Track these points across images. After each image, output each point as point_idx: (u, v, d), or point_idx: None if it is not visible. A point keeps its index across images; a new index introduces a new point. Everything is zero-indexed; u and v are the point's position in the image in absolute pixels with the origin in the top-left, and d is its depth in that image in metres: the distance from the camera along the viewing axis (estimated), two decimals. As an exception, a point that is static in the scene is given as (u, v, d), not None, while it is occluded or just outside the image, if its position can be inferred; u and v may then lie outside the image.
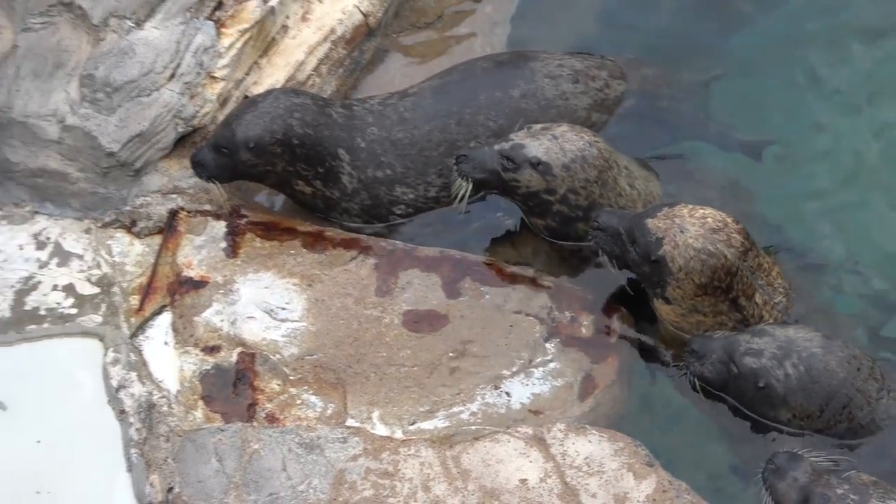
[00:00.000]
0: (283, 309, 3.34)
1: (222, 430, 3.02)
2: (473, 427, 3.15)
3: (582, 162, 3.39)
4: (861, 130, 4.26)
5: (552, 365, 3.27)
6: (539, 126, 3.45)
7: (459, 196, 3.41)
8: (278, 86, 3.90)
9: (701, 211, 3.21)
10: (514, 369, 3.26)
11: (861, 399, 2.98)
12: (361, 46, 4.19)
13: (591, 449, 2.91)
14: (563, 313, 3.43)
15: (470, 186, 3.38)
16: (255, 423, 3.11)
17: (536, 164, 3.29)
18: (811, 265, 3.69)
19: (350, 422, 3.17)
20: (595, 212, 3.42)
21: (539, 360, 3.29)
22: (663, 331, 3.43)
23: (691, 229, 3.12)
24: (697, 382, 3.13)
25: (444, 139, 3.67)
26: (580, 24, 4.55)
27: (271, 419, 3.14)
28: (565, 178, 3.42)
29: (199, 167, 3.49)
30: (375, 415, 3.21)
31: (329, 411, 3.20)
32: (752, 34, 4.48)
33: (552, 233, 3.56)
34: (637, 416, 3.29)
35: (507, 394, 3.21)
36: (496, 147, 3.32)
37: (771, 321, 3.26)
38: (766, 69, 4.42)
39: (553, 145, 3.38)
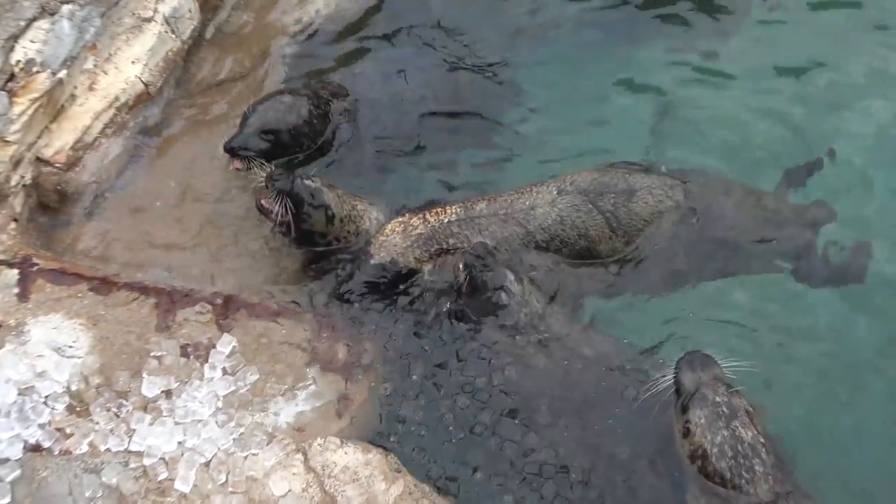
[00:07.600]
0: (71, 346, 3.35)
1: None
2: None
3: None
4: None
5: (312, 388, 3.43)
6: None
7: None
8: (67, 149, 3.98)
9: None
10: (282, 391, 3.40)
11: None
12: (144, 112, 4.40)
13: (347, 460, 3.15)
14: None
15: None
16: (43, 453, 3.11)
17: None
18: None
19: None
20: None
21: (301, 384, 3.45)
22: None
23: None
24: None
25: None
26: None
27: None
28: None
29: None
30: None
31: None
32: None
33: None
34: (389, 428, 3.43)
35: (275, 413, 3.30)
36: None
37: None
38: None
39: None
